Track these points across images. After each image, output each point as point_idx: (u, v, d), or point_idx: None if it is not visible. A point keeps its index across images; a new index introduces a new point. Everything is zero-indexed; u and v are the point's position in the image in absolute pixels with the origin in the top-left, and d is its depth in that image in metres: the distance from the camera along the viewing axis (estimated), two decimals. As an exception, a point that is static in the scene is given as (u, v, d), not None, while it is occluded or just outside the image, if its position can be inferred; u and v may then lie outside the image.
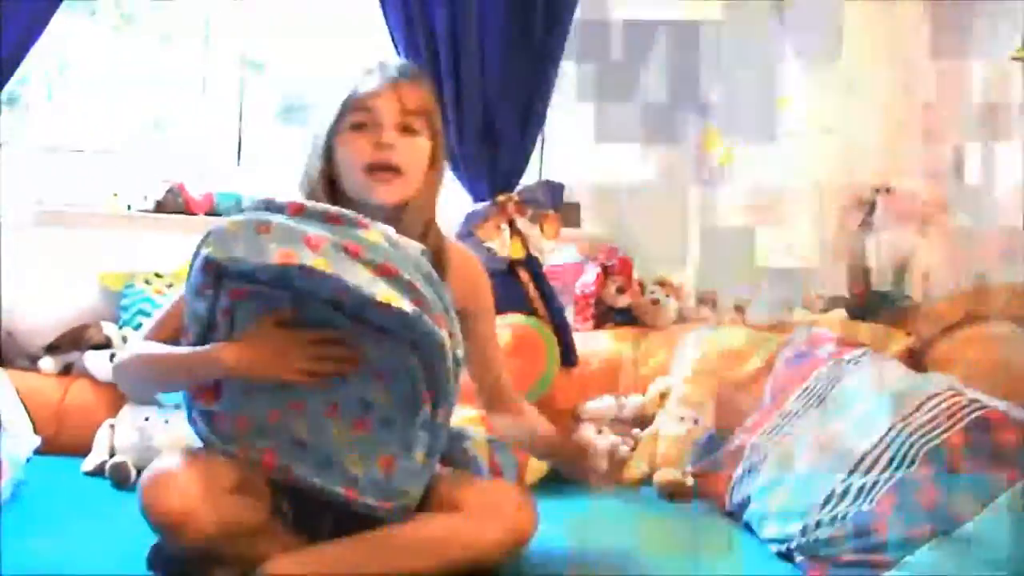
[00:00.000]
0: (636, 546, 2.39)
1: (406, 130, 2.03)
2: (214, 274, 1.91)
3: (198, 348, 1.96)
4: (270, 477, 1.98)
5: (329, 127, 2.04)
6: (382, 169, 2.02)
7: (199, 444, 2.11)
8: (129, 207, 2.98)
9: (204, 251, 1.89)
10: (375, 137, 2.00)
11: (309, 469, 1.95)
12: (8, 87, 2.76)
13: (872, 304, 3.52)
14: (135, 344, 2.13)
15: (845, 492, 2.32)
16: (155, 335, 2.10)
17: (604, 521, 2.58)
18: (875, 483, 2.29)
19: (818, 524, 2.31)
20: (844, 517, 2.27)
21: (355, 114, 2.02)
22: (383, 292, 1.84)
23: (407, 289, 1.86)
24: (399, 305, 1.84)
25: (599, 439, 2.93)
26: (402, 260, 1.88)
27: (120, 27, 3.30)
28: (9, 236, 2.90)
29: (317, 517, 2.06)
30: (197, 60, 3.21)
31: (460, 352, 1.95)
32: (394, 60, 2.09)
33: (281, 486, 2.01)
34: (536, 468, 2.84)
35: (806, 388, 2.70)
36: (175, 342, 2.03)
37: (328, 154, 2.04)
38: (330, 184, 2.06)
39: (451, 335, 1.92)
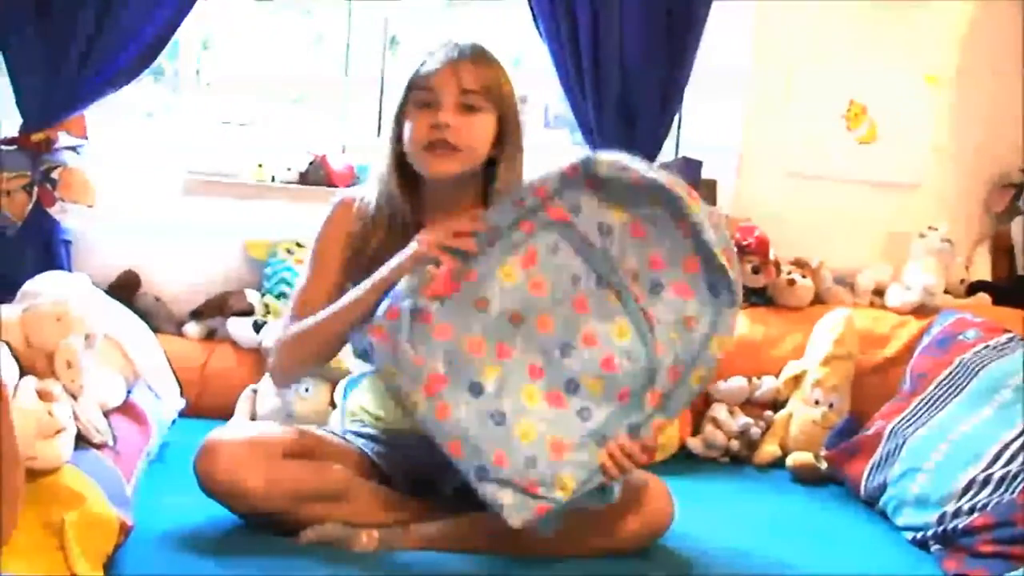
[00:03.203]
0: (767, 529, 2.38)
1: (466, 108, 2.04)
2: None
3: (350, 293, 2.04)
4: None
5: (397, 105, 2.09)
6: (440, 146, 2.04)
7: (336, 414, 2.20)
8: (273, 178, 3.04)
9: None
10: (433, 117, 2.03)
11: (471, 415, 1.91)
12: (157, 61, 2.84)
13: (1018, 289, 3.42)
14: (288, 330, 2.12)
15: (986, 482, 2.27)
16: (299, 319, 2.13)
17: (735, 503, 2.58)
18: (1018, 473, 2.24)
19: (956, 513, 2.26)
20: (984, 507, 2.22)
21: (417, 93, 2.05)
22: (722, 256, 1.90)
23: None
24: (732, 274, 1.90)
25: (730, 420, 2.92)
26: None
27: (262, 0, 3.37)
28: (159, 205, 2.99)
29: (438, 483, 2.12)
30: (340, 34, 3.25)
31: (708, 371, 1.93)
32: (462, 41, 2.08)
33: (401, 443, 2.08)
34: (665, 447, 2.84)
35: (948, 374, 2.64)
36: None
37: (398, 131, 2.09)
38: (401, 160, 2.10)
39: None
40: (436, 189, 2.11)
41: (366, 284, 2.01)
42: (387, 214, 2.12)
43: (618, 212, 1.93)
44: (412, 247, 1.98)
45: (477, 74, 2.04)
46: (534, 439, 1.90)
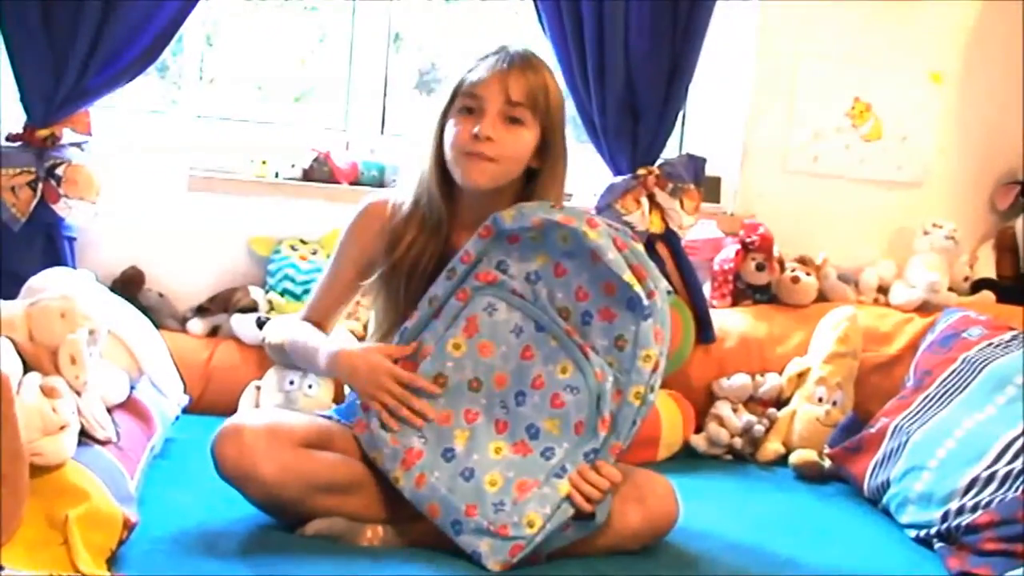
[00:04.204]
0: (770, 527, 2.38)
1: (510, 120, 2.06)
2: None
3: (321, 345, 2.16)
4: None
5: (442, 107, 2.11)
6: (477, 156, 2.07)
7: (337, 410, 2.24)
8: (277, 175, 3.04)
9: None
10: (476, 125, 2.05)
11: (444, 477, 2.01)
12: (161, 57, 2.84)
13: (1022, 286, 3.42)
14: (291, 323, 2.28)
15: (990, 479, 2.27)
16: (312, 312, 2.30)
17: (739, 500, 2.57)
18: (1022, 471, 2.24)
19: (960, 511, 2.26)
20: (988, 505, 2.22)
21: (463, 99, 2.08)
22: (627, 273, 1.97)
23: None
24: (639, 290, 1.95)
25: (734, 417, 2.92)
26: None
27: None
28: (163, 201, 2.99)
29: None
30: (343, 30, 3.25)
31: (652, 397, 1.99)
32: (514, 47, 2.11)
33: None
34: (669, 445, 2.84)
35: (952, 371, 2.64)
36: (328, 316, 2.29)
37: (439, 134, 2.11)
38: (440, 164, 2.13)
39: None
40: (472, 194, 2.14)
41: (320, 362, 2.15)
42: (422, 214, 2.15)
43: (540, 258, 2.06)
44: (367, 388, 2.07)
45: (525, 84, 2.06)
46: (501, 486, 1.98)
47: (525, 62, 2.09)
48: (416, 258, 2.15)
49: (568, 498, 1.94)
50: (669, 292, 2.06)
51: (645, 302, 1.96)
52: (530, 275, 2.06)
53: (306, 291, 2.90)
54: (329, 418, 2.22)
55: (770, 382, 3.00)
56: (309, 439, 2.05)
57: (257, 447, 1.97)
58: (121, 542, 1.83)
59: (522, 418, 2.02)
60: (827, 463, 2.77)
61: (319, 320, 2.29)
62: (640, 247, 2.05)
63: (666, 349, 2.01)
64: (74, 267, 2.74)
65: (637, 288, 1.96)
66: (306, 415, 2.24)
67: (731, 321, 3.13)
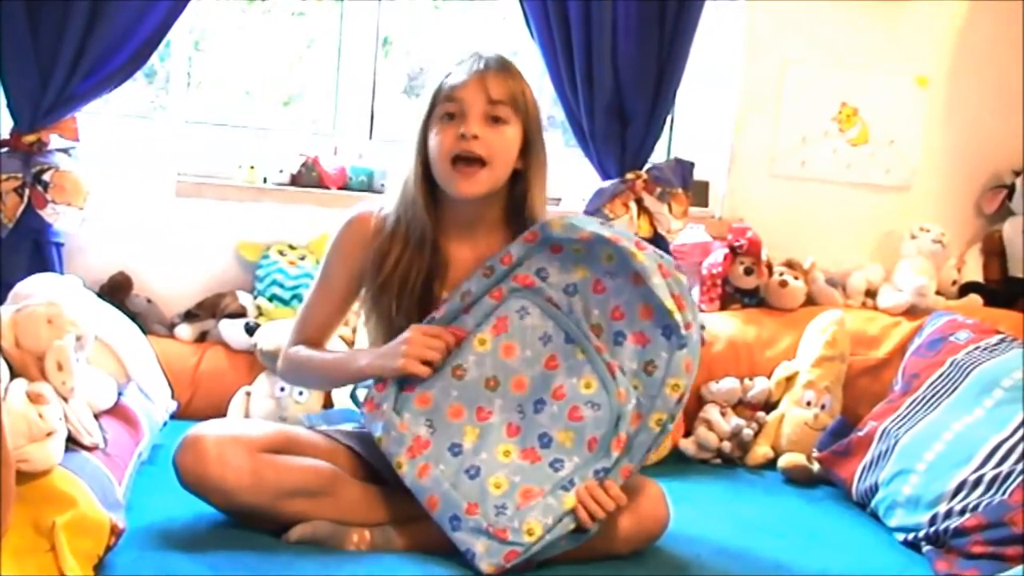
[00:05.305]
0: (759, 531, 2.38)
1: (493, 120, 2.07)
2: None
3: (347, 355, 2.22)
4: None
5: (423, 117, 2.11)
6: (466, 160, 2.07)
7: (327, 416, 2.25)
8: (265, 180, 3.03)
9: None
10: (460, 128, 2.05)
11: (449, 472, 2.01)
12: (149, 62, 2.83)
13: (1009, 290, 3.43)
14: (297, 352, 2.24)
15: (978, 482, 2.28)
16: (307, 329, 2.26)
17: (728, 504, 2.58)
18: (1009, 474, 2.24)
19: (948, 514, 2.27)
20: (976, 508, 2.23)
21: (444, 105, 2.08)
22: (669, 300, 1.97)
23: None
24: (678, 318, 1.95)
25: (723, 421, 2.92)
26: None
27: (254, 1, 3.36)
28: (150, 207, 2.98)
29: None
30: (331, 35, 3.24)
31: (671, 426, 2.01)
32: (486, 52, 2.13)
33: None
34: (658, 449, 2.84)
35: (940, 375, 2.65)
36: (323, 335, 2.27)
37: (423, 143, 2.11)
38: (425, 174, 2.12)
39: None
40: (460, 204, 2.13)
41: (359, 362, 2.13)
42: (407, 227, 2.14)
43: (581, 271, 2.06)
44: (399, 357, 2.05)
45: (503, 84, 2.08)
46: (506, 489, 1.97)
47: (501, 64, 2.11)
48: (404, 274, 2.13)
49: (572, 512, 1.94)
50: (703, 327, 2.06)
51: (682, 332, 1.96)
52: (568, 287, 2.06)
53: (295, 296, 2.89)
54: (310, 427, 2.22)
55: (758, 386, 3.00)
56: (273, 446, 2.04)
57: (214, 455, 1.96)
58: (108, 548, 1.83)
59: (537, 425, 2.01)
60: (816, 467, 2.77)
61: (315, 337, 2.25)
62: (683, 278, 2.05)
63: (691, 382, 2.01)
64: (61, 273, 2.73)
65: (677, 316, 1.96)
66: (272, 423, 2.24)
67: (719, 325, 3.13)
